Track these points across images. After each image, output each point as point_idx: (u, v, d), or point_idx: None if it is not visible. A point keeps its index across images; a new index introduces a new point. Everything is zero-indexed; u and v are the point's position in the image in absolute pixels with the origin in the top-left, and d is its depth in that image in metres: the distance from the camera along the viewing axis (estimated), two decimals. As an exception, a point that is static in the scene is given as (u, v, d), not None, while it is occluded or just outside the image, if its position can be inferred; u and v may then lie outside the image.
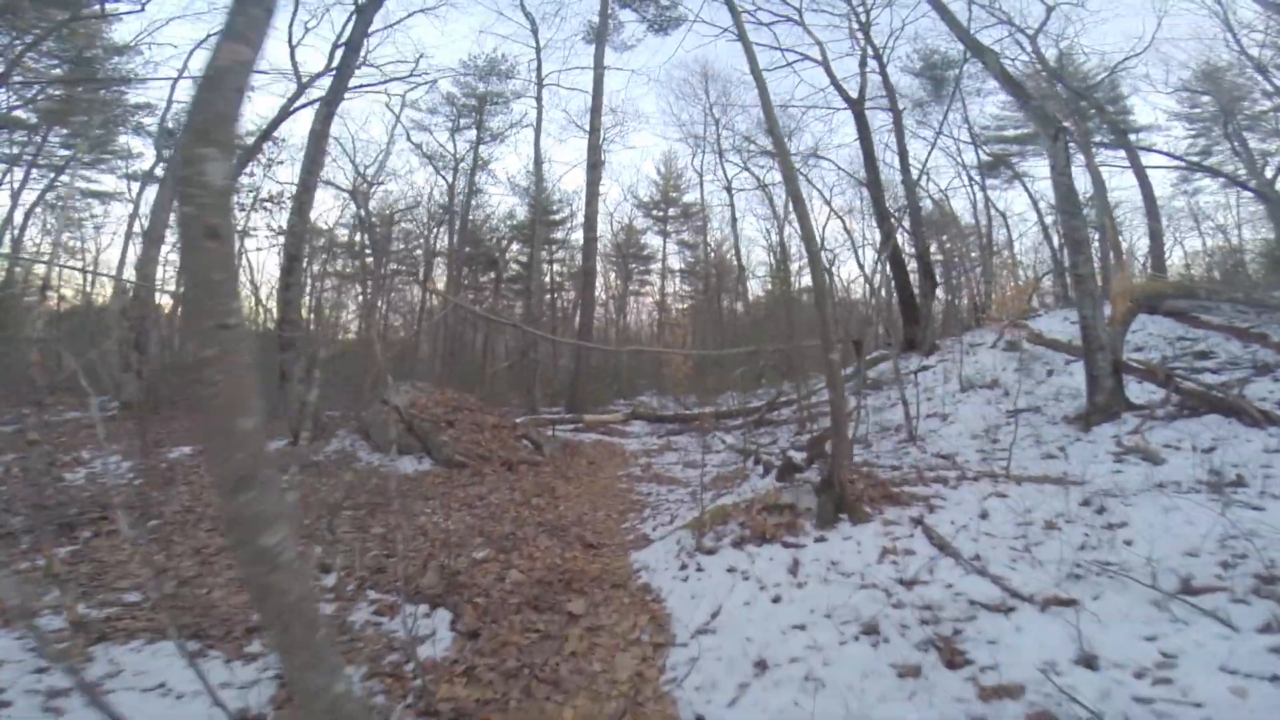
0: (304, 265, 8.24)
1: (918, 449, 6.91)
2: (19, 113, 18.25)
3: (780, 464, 5.47)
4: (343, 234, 23.78)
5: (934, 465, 5.43)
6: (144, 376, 9.50)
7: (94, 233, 23.16)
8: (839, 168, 18.33)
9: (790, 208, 27.10)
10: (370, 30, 9.54)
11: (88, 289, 20.41)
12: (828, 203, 28.62)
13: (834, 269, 29.37)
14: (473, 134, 20.92)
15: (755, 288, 32.29)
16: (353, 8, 8.97)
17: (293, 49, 14.39)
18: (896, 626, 2.71)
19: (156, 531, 5.15)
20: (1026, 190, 21.54)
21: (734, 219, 23.99)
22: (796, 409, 11.65)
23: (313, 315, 24.09)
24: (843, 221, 24.43)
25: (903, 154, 15.60)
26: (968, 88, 18.60)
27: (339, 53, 15.67)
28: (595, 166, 13.69)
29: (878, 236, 28.93)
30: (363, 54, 10.20)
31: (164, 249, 10.20)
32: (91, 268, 20.88)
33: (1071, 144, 19.26)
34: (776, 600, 3.10)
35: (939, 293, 18.44)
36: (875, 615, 2.79)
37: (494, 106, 20.45)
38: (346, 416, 9.09)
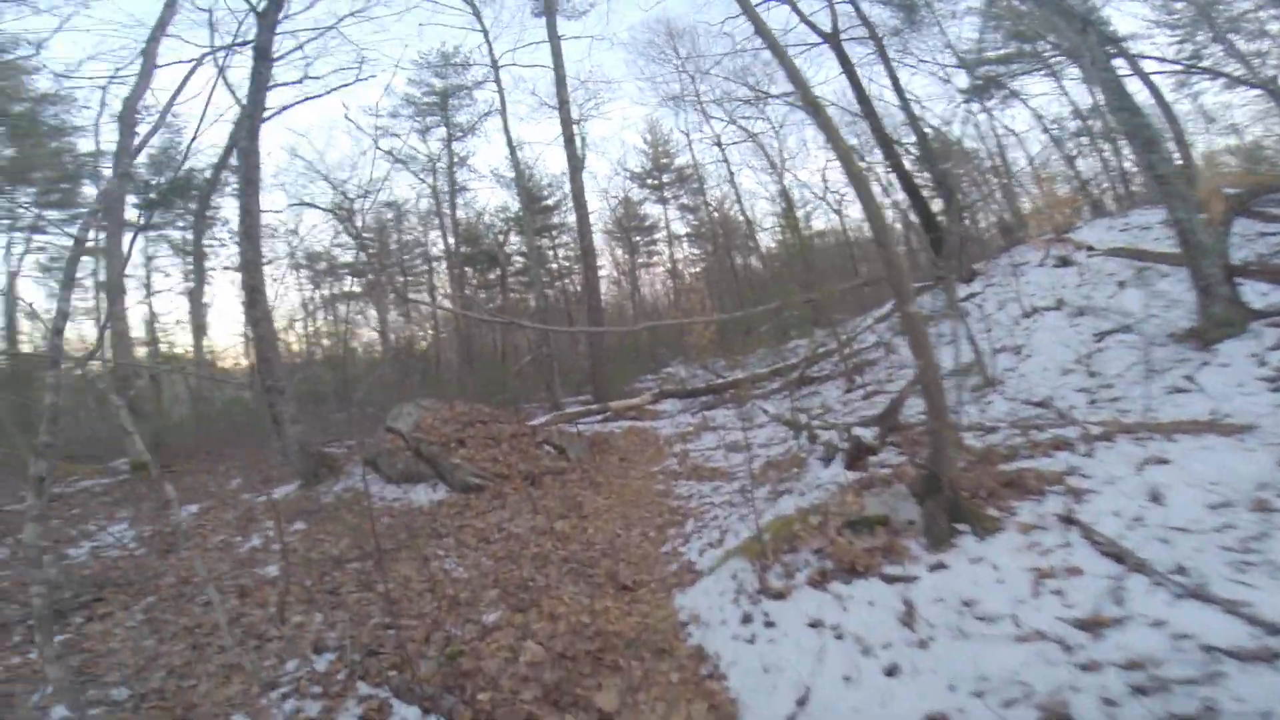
0: (265, 295, 7.33)
1: (1000, 396, 5.84)
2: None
3: (847, 447, 4.46)
4: (340, 254, 23.08)
5: (1035, 420, 4.36)
6: (145, 435, 8.86)
7: (95, 289, 22.75)
8: (833, 104, 16.73)
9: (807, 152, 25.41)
10: (281, 36, 8.53)
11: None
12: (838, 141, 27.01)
13: (842, 210, 27.85)
14: (443, 132, 19.84)
15: (765, 240, 30.88)
16: (252, 14, 7.93)
17: (221, 71, 13.43)
18: (1099, 706, 1.74)
19: (150, 610, 4.49)
20: (1027, 106, 19.64)
21: (730, 174, 22.59)
22: (838, 360, 10.57)
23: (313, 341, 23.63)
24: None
25: (894, 79, 14.07)
26: (941, 10, 16.81)
27: (274, 69, 14.78)
28: (571, 141, 12.54)
29: (879, 171, 27.27)
30: (301, 62, 9.14)
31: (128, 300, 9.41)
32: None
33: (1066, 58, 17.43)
34: (892, 672, 2.14)
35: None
36: (1059, 689, 1.82)
37: (457, 100, 19.30)
38: (362, 446, 8.34)
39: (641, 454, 7.97)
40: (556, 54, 12.54)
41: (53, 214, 19.23)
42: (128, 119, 10.11)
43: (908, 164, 14.73)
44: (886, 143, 14.27)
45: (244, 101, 8.62)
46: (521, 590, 3.89)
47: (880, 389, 8.04)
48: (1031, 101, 20.03)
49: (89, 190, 19.69)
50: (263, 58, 8.12)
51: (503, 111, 13.76)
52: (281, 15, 8.01)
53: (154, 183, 18.22)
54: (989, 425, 4.58)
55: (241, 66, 14.47)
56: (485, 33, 13.43)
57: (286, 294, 24.44)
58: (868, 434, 4.43)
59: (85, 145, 16.54)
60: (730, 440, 7.33)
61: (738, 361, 18.11)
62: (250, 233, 7.48)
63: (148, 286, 20.16)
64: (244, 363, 23.53)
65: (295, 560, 5.06)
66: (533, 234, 13.63)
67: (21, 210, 18.45)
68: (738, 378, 11.90)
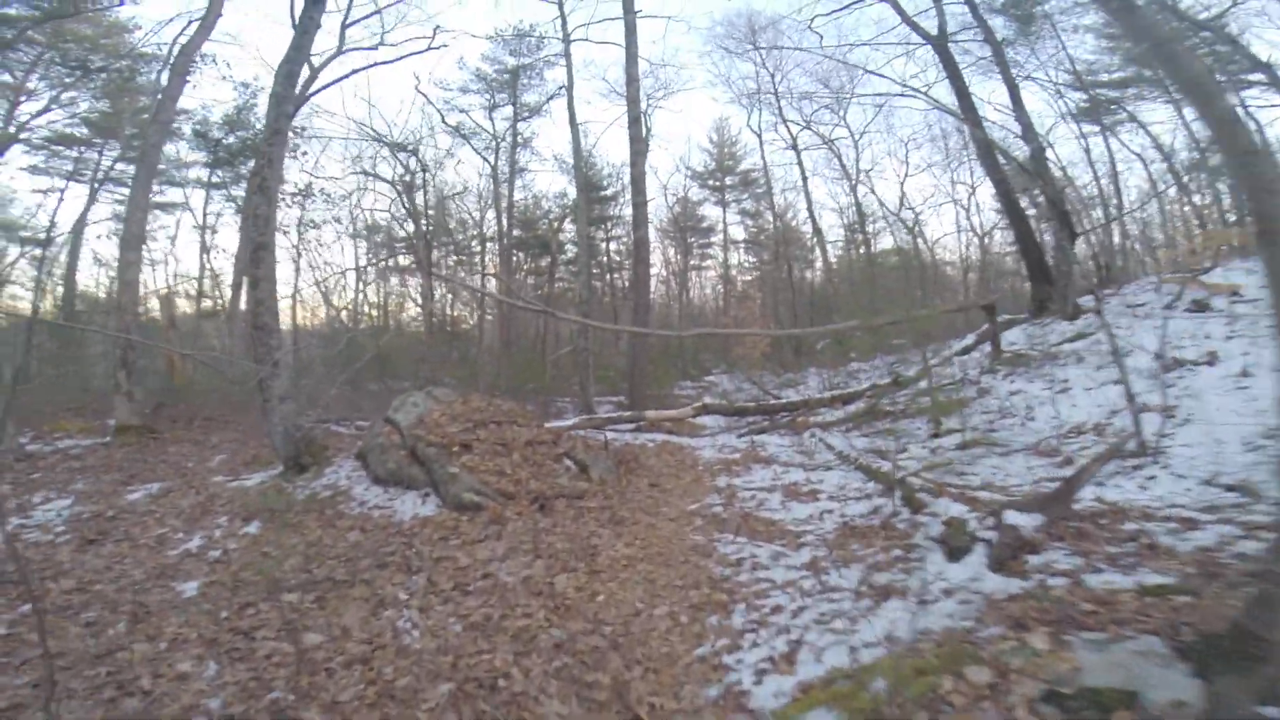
0: (274, 253, 6.31)
1: (1165, 471, 4.29)
2: (72, 130, 17.76)
3: (995, 537, 3.01)
4: (397, 227, 22.59)
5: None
6: (136, 399, 8.03)
7: (171, 245, 22.91)
8: (938, 106, 14.93)
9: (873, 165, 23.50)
10: None
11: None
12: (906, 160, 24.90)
13: (916, 230, 25.80)
14: (509, 111, 18.97)
15: (828, 254, 29.06)
16: None
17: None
18: None
19: (23, 622, 3.45)
20: (1146, 132, 17.27)
21: (804, 179, 20.87)
22: (920, 395, 8.98)
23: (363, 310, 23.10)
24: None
25: (1013, 90, 12.24)
26: (1062, 24, 14.74)
27: (349, 32, 14.03)
28: (637, 121, 11.31)
29: (967, 190, 25.01)
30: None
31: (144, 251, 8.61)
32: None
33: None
34: None
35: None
36: None
37: (527, 80, 18.39)
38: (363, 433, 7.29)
39: (677, 480, 6.61)
40: (630, 28, 11.34)
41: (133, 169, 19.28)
42: (180, 65, 9.41)
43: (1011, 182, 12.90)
44: (990, 156, 12.51)
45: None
46: (485, 692, 2.62)
47: (980, 440, 6.46)
48: (1145, 130, 17.71)
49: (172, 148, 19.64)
50: (314, 2, 7.15)
51: (569, 89, 12.66)
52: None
53: (223, 140, 17.94)
54: (1178, 517, 3.06)
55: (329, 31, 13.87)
56: (560, 4, 12.37)
57: (342, 261, 24.14)
58: (1025, 522, 2.97)
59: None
60: (790, 482, 5.89)
61: (791, 381, 16.54)
62: (266, 186, 6.48)
63: (204, 244, 20.03)
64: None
65: (223, 579, 3.93)
66: (586, 221, 12.46)
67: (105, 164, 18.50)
68: (794, 400, 10.41)
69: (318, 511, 5.25)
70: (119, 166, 18.20)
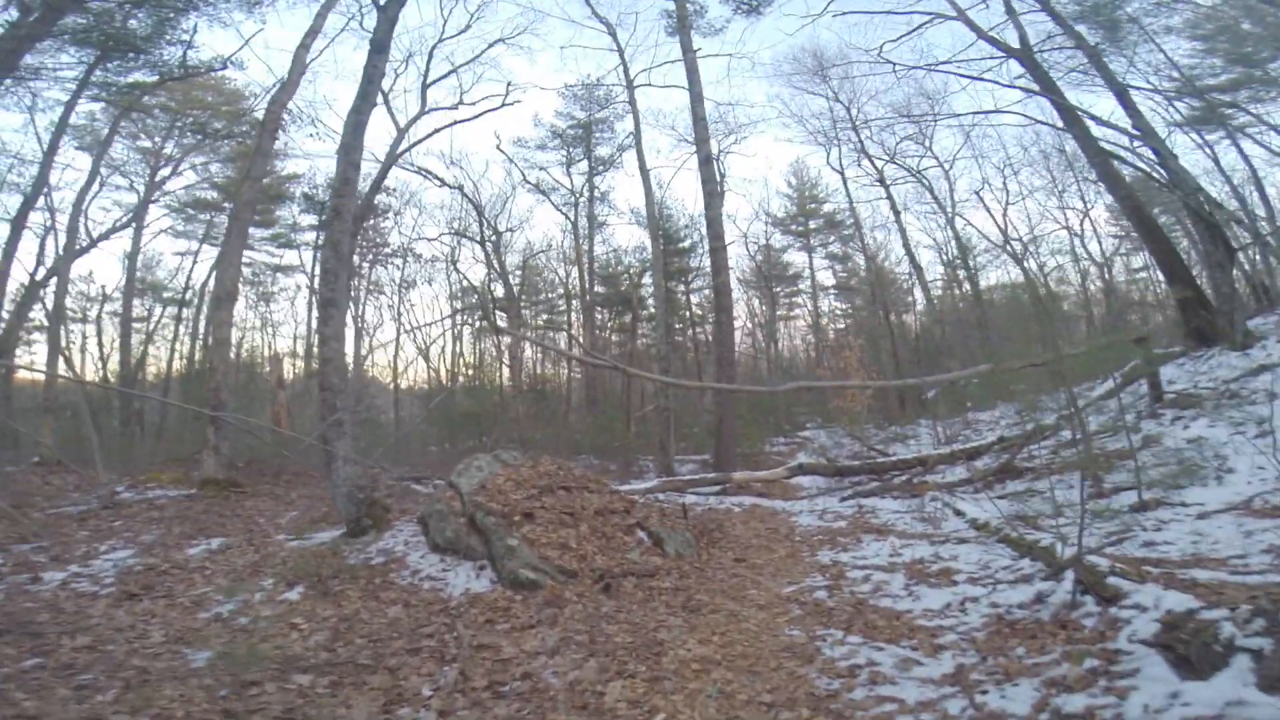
0: (344, 311, 6.22)
1: None
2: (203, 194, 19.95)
3: (1273, 647, 1.94)
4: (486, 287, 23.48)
5: None
6: (222, 453, 8.19)
7: (289, 306, 24.98)
8: (1038, 121, 13.56)
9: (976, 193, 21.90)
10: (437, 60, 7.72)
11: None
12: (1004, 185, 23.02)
13: (1026, 261, 23.42)
14: (584, 165, 19.47)
15: (927, 293, 27.13)
16: (375, 9, 7.26)
17: (386, 96, 13.69)
18: None
19: (19, 677, 3.12)
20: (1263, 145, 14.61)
21: (896, 214, 19.59)
22: (1059, 442, 7.47)
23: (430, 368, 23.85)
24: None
25: (1120, 93, 10.74)
26: (1154, 26, 12.95)
27: (429, 92, 14.94)
28: (708, 162, 10.91)
29: (1078, 215, 22.55)
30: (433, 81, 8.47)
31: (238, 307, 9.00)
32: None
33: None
34: None
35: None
36: None
37: (599, 134, 18.88)
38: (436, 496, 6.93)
39: (769, 553, 5.63)
40: (691, 69, 11.18)
41: (258, 232, 21.44)
42: (270, 123, 10.12)
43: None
44: (1110, 169, 10.96)
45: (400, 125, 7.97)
46: None
47: (1164, 500, 5.05)
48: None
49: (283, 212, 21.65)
50: (378, 51, 7.42)
51: (636, 135, 12.64)
52: (400, 10, 7.23)
53: (328, 202, 19.38)
54: None
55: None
56: (620, 51, 12.55)
57: (439, 322, 25.33)
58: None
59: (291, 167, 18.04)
60: (914, 559, 4.77)
61: (899, 435, 14.86)
62: (334, 239, 6.51)
63: (312, 306, 21.56)
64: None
65: (239, 650, 3.47)
66: (662, 272, 12.06)
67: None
68: (907, 457, 9.09)
69: (365, 579, 4.77)
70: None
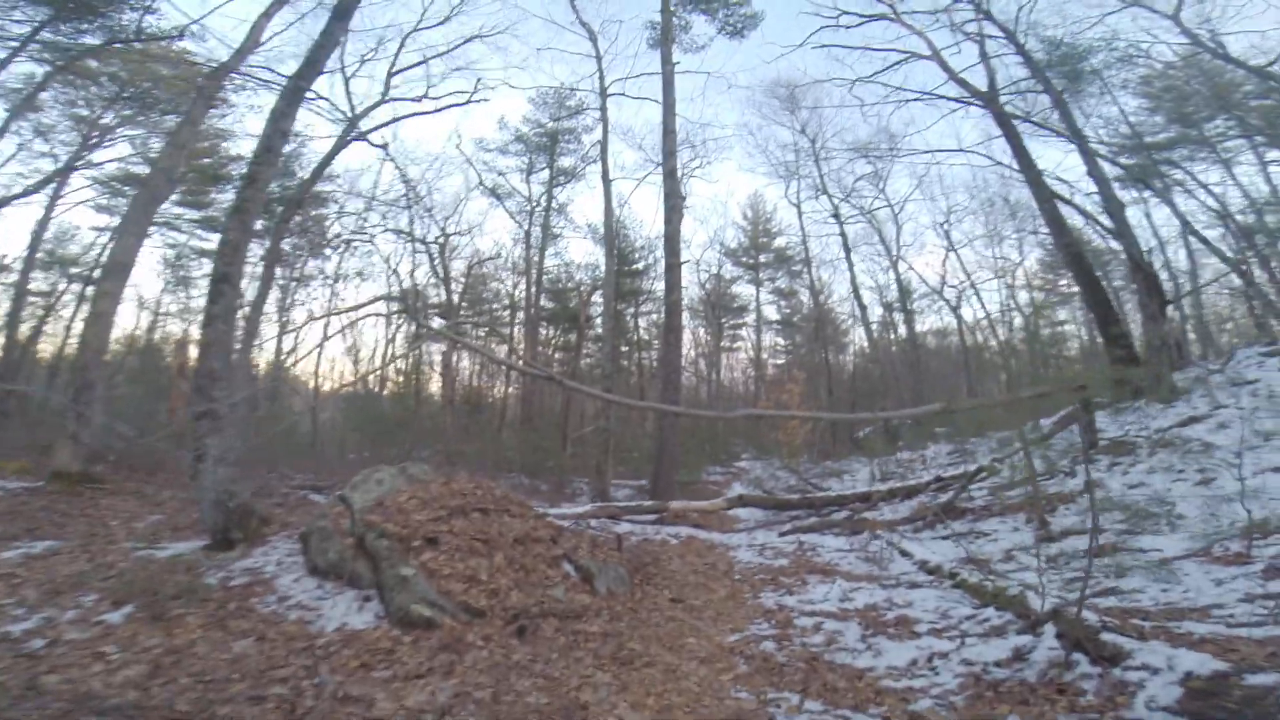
0: (238, 289, 5.31)
1: None
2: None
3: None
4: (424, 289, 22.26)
5: None
6: (82, 442, 6.96)
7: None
8: (998, 162, 13.97)
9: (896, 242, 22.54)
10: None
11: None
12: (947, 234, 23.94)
13: (959, 310, 24.38)
14: (546, 175, 18.88)
15: (859, 336, 27.88)
16: None
17: (346, 80, 12.81)
18: None
19: None
20: (1210, 193, 15.82)
21: (847, 251, 19.91)
22: (1000, 483, 7.30)
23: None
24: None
25: (1080, 140, 11.26)
26: (1111, 80, 13.87)
27: (394, 80, 14.08)
28: (672, 175, 10.59)
29: (1010, 265, 23.73)
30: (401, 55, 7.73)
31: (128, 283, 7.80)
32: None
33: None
34: None
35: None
36: None
37: (565, 144, 18.39)
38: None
39: (708, 593, 5.05)
40: (668, 81, 10.91)
41: (188, 213, 19.47)
42: (209, 89, 9.06)
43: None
44: (1057, 217, 11.32)
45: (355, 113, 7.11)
46: None
47: (1120, 546, 4.81)
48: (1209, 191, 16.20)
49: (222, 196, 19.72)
50: (339, 17, 6.65)
51: (604, 143, 12.18)
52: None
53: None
54: None
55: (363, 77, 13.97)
56: (598, 58, 12.17)
57: (356, 309, 23.78)
58: None
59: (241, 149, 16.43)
60: (866, 605, 4.30)
61: (833, 470, 14.72)
62: (244, 211, 5.61)
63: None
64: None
65: (16, 684, 2.58)
66: (614, 288, 11.53)
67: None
68: (846, 493, 8.78)
69: (216, 603, 3.86)
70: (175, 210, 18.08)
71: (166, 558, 4.74)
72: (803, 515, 8.53)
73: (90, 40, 10.05)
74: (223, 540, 4.90)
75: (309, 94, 7.07)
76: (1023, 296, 24.48)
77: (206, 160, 16.52)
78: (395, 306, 18.37)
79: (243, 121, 16.19)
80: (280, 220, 13.20)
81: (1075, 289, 25.38)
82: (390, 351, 24.44)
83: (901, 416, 9.19)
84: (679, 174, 10.62)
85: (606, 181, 11.58)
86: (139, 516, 6.15)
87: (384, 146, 12.66)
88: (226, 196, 18.47)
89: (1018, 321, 25.09)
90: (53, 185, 14.88)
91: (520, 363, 7.14)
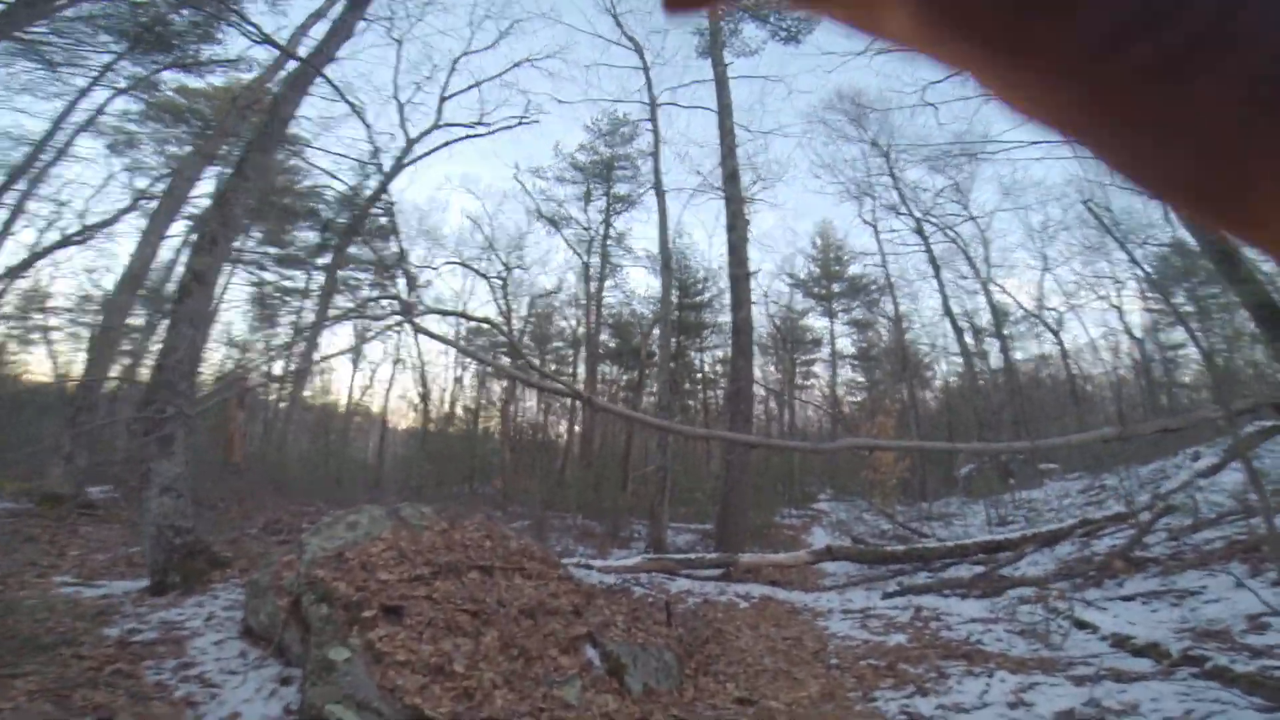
0: (211, 290, 4.39)
1: None
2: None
3: None
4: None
5: None
6: (76, 464, 6.25)
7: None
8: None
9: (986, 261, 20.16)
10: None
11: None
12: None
13: (1060, 334, 21.39)
14: (603, 204, 18.16)
15: (943, 369, 25.19)
16: None
17: (401, 107, 12.61)
18: None
19: None
20: None
21: (935, 266, 17.82)
22: (1179, 527, 5.20)
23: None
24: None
25: None
26: None
27: (446, 106, 13.79)
28: (734, 178, 9.34)
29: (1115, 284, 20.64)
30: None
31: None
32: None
33: None
34: None
35: None
36: None
37: (622, 170, 17.65)
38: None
39: (793, 687, 3.43)
40: (721, 82, 9.81)
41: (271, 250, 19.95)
42: (243, 102, 8.77)
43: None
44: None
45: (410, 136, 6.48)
46: None
47: None
48: None
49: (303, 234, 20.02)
50: (354, 6, 5.98)
51: (655, 155, 11.15)
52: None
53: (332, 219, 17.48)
54: None
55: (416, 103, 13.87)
56: (646, 69, 11.32)
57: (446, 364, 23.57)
58: None
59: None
60: (1058, 711, 2.58)
61: (928, 514, 12.40)
62: (229, 197, 4.77)
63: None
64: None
65: None
66: (669, 305, 10.27)
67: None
68: (966, 542, 6.82)
69: (93, 665, 2.68)
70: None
71: (93, 597, 3.68)
72: (909, 570, 6.64)
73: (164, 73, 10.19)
74: (161, 583, 3.80)
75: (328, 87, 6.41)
76: (1133, 319, 21.28)
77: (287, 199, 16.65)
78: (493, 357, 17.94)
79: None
80: (338, 247, 12.96)
81: (1190, 308, 22.02)
82: (458, 388, 24.14)
83: (1057, 445, 7.14)
84: (739, 176, 9.39)
85: (660, 193, 10.50)
86: (109, 547, 5.23)
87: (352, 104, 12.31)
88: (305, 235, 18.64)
89: (1125, 345, 21.80)
90: (145, 220, 15.31)
91: (538, 377, 5.92)
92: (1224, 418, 5.62)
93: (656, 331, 20.44)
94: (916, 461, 15.42)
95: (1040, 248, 21.09)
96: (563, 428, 23.66)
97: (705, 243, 52.57)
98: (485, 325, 16.89)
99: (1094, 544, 6.23)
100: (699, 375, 24.13)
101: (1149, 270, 20.88)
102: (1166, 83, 0.15)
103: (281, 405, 15.97)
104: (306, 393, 20.49)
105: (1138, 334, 21.17)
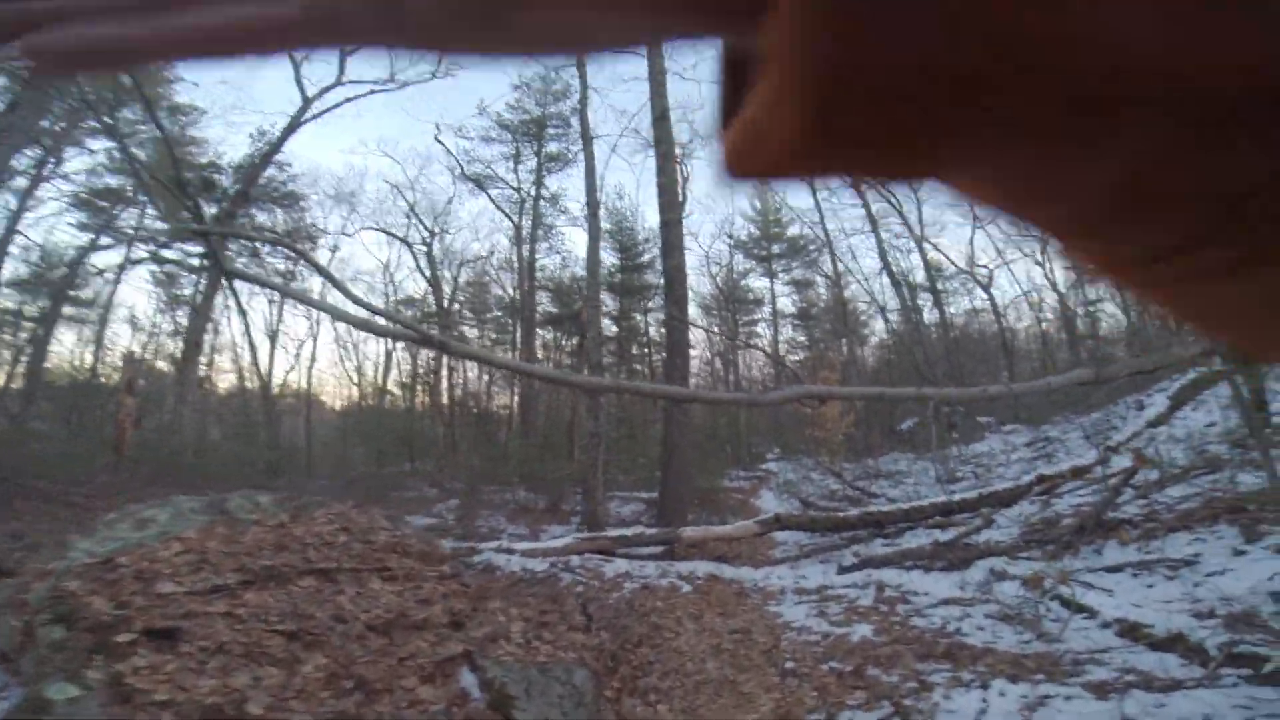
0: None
1: None
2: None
3: None
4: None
5: None
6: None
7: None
8: None
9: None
10: None
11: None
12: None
13: (990, 290, 21.62)
14: (534, 165, 16.71)
15: (880, 328, 25.31)
16: None
17: (296, 65, 10.88)
18: None
19: None
20: None
21: (873, 222, 17.36)
22: (1146, 483, 4.71)
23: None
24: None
25: None
26: None
27: (349, 61, 12.06)
28: (663, 119, 8.30)
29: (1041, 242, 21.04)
30: None
31: None
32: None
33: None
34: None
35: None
36: None
37: (554, 128, 16.22)
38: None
39: (737, 707, 2.65)
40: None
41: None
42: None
43: None
44: None
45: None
46: None
47: None
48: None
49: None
50: None
51: (582, 101, 9.90)
52: None
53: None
54: None
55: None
56: None
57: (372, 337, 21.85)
58: None
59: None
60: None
61: (873, 471, 12.07)
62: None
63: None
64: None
65: None
66: (597, 259, 9.20)
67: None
68: (924, 503, 6.26)
69: None
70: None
71: None
72: (864, 537, 6.04)
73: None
74: None
75: None
76: (1057, 275, 21.69)
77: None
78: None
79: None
80: (227, 213, 11.20)
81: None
82: (391, 365, 22.50)
83: (1035, 388, 6.59)
84: (669, 117, 8.34)
85: (587, 139, 9.33)
86: None
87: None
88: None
89: (1050, 300, 22.29)
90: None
91: (386, 324, 4.77)
92: (1198, 356, 5.19)
93: (607, 301, 19.37)
94: (861, 416, 15.17)
95: (970, 207, 21.03)
96: (507, 400, 22.47)
97: (644, 201, 51.26)
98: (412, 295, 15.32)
99: (1055, 502, 5.77)
100: (643, 339, 23.32)
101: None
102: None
103: (185, 390, 14.17)
104: (217, 375, 18.58)
105: (1061, 289, 21.64)
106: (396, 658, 2.35)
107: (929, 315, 21.73)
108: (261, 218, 14.34)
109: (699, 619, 3.93)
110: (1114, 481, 4.66)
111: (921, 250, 20.26)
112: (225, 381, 19.66)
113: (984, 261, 20.75)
